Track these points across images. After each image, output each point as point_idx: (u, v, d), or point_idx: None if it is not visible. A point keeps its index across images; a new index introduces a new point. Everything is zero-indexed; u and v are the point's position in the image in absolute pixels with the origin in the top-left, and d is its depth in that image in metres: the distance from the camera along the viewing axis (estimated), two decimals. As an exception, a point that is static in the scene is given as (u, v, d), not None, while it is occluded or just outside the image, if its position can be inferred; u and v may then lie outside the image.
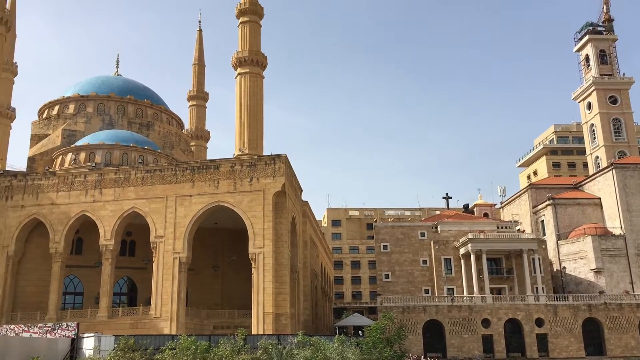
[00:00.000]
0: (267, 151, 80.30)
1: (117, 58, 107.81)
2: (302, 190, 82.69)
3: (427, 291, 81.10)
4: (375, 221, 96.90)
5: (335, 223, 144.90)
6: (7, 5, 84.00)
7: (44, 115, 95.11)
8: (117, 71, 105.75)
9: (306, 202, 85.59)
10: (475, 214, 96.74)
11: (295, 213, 73.66)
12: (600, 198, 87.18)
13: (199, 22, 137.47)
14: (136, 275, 76.52)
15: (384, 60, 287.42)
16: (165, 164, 78.66)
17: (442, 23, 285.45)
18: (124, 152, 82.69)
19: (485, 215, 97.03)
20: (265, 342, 44.37)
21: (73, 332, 44.67)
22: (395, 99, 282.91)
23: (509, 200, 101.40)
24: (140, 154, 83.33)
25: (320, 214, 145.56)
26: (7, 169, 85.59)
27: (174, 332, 60.30)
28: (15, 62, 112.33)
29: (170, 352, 41.10)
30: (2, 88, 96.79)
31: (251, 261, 64.34)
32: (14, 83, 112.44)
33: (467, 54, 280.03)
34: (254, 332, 60.32)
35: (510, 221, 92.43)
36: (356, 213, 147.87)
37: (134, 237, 76.27)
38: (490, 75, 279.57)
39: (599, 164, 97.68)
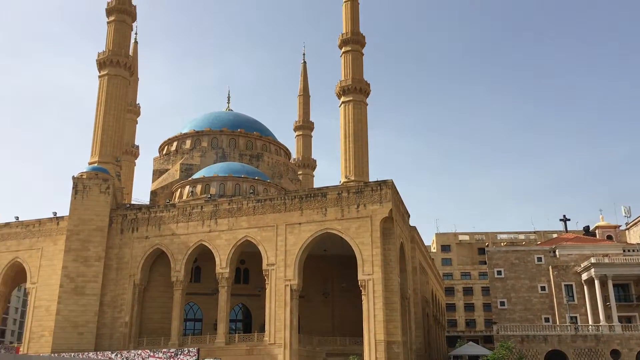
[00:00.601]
0: (372, 177, 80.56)
1: (228, 94, 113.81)
2: (409, 216, 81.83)
3: (547, 319, 76.76)
4: (487, 245, 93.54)
5: (445, 248, 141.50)
6: (130, 52, 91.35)
7: (164, 151, 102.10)
8: (228, 106, 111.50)
9: (414, 228, 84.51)
10: (598, 237, 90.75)
11: (403, 239, 72.93)
12: None
13: (303, 54, 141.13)
14: (250, 302, 78.92)
15: (493, 81, 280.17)
16: (274, 193, 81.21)
17: (554, 42, 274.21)
18: (236, 183, 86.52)
19: (609, 237, 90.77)
20: (378, 370, 44.02)
21: (194, 358, 47.00)
22: (507, 120, 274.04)
23: (635, 221, 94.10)
24: (251, 184, 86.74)
25: (428, 239, 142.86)
26: (132, 202, 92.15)
27: (287, 359, 61.34)
28: (138, 104, 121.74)
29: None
30: (127, 128, 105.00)
31: (360, 288, 64.34)
32: (137, 123, 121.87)
33: (583, 68, 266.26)
34: (366, 360, 59.96)
35: (638, 244, 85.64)
36: (466, 237, 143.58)
37: (247, 265, 78.88)
38: (608, 89, 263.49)
39: None
